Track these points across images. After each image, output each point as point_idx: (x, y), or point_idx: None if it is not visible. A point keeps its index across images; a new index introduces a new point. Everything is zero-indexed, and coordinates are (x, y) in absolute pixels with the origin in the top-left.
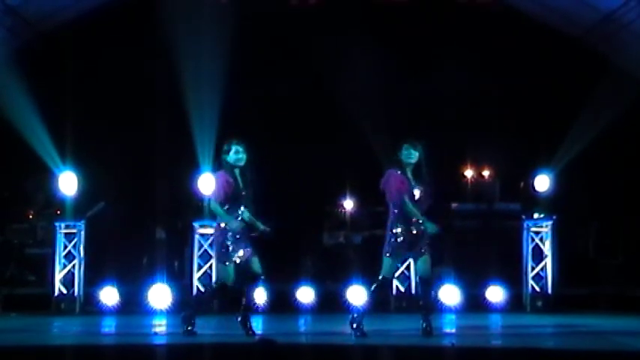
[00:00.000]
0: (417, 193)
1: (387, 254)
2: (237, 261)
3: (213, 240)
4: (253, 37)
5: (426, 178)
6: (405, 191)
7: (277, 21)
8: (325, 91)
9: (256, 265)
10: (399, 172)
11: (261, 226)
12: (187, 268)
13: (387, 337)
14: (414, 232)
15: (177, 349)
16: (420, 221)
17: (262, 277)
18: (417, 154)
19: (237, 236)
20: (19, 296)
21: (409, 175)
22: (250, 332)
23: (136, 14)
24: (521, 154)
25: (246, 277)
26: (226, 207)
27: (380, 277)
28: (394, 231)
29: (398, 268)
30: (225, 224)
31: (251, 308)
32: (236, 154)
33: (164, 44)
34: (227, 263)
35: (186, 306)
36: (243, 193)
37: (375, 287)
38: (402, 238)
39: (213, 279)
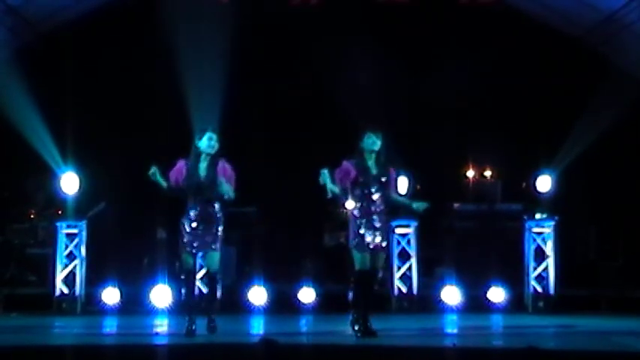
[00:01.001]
0: (377, 181)
1: (354, 247)
2: (192, 252)
3: None
4: (254, 37)
5: (387, 166)
6: (344, 180)
7: (278, 21)
8: (326, 90)
9: (213, 260)
10: (346, 162)
11: None
12: None
13: (388, 337)
14: (376, 224)
15: (179, 349)
16: (379, 211)
17: (217, 274)
18: (379, 142)
19: (194, 226)
20: (20, 296)
21: (369, 163)
22: (211, 326)
23: (136, 14)
24: (523, 155)
25: (205, 273)
26: (188, 196)
27: (356, 271)
28: (357, 223)
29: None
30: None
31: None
32: (209, 141)
33: (164, 44)
34: (181, 253)
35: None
36: (202, 180)
37: (355, 283)
38: (362, 230)
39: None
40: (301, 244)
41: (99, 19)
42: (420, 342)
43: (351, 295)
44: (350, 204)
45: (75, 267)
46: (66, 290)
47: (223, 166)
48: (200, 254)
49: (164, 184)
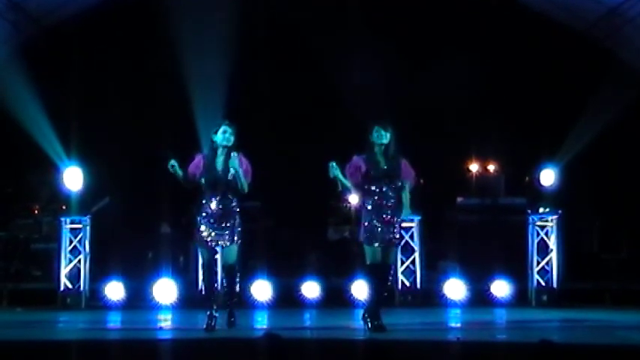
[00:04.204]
0: (385, 173)
1: (363, 241)
2: (209, 246)
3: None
4: (256, 32)
5: (397, 159)
6: (355, 175)
7: (280, 15)
8: (329, 84)
9: (230, 254)
10: (356, 157)
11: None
12: (192, 263)
13: (391, 331)
14: (385, 218)
15: (183, 344)
16: (389, 205)
17: (235, 268)
18: (387, 135)
19: (212, 220)
20: (24, 291)
21: (379, 157)
22: (231, 320)
23: (140, 8)
24: (527, 149)
25: (223, 267)
26: (204, 191)
27: (368, 265)
28: (368, 216)
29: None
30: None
31: (231, 298)
32: (224, 134)
33: (169, 38)
34: (198, 247)
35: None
36: (220, 174)
37: (367, 277)
38: (372, 224)
39: (218, 274)
40: (305, 239)
41: (102, 13)
42: (424, 336)
43: (367, 288)
44: (354, 198)
45: (79, 262)
46: (70, 285)
47: (240, 159)
48: (218, 248)
49: (181, 174)
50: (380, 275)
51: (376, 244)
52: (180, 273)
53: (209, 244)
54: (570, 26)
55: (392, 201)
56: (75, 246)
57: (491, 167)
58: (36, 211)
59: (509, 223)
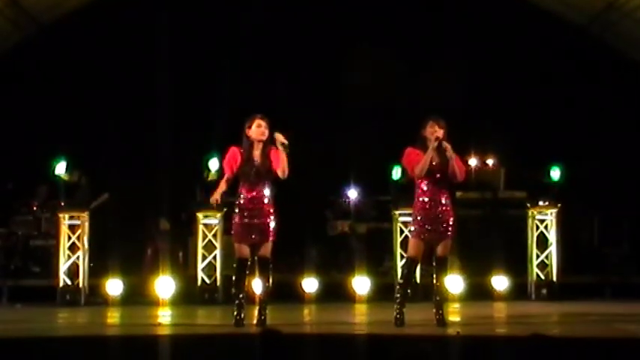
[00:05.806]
0: (440, 169)
1: (411, 233)
2: (247, 241)
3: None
4: (257, 26)
5: (451, 154)
6: (416, 163)
7: (282, 10)
8: (329, 79)
9: (266, 248)
10: (411, 149)
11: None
12: (191, 259)
13: (391, 325)
14: (435, 210)
15: (182, 339)
16: (439, 199)
17: (269, 261)
18: (442, 131)
19: (247, 216)
20: (24, 288)
21: (433, 152)
22: (261, 319)
23: (137, 6)
24: (526, 143)
25: (257, 260)
26: (241, 183)
27: (408, 257)
28: (415, 209)
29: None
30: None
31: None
32: (258, 128)
33: (168, 36)
34: (235, 242)
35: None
36: (259, 168)
37: (406, 268)
38: (421, 216)
39: (218, 269)
40: (304, 234)
41: (101, 11)
42: (423, 330)
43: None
44: (353, 193)
45: (78, 258)
46: (69, 282)
47: (275, 151)
48: (254, 243)
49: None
50: (438, 268)
51: (423, 238)
52: (179, 269)
53: (247, 239)
54: (570, 20)
55: (443, 195)
56: (74, 242)
57: (490, 161)
58: (35, 208)
59: (508, 217)
